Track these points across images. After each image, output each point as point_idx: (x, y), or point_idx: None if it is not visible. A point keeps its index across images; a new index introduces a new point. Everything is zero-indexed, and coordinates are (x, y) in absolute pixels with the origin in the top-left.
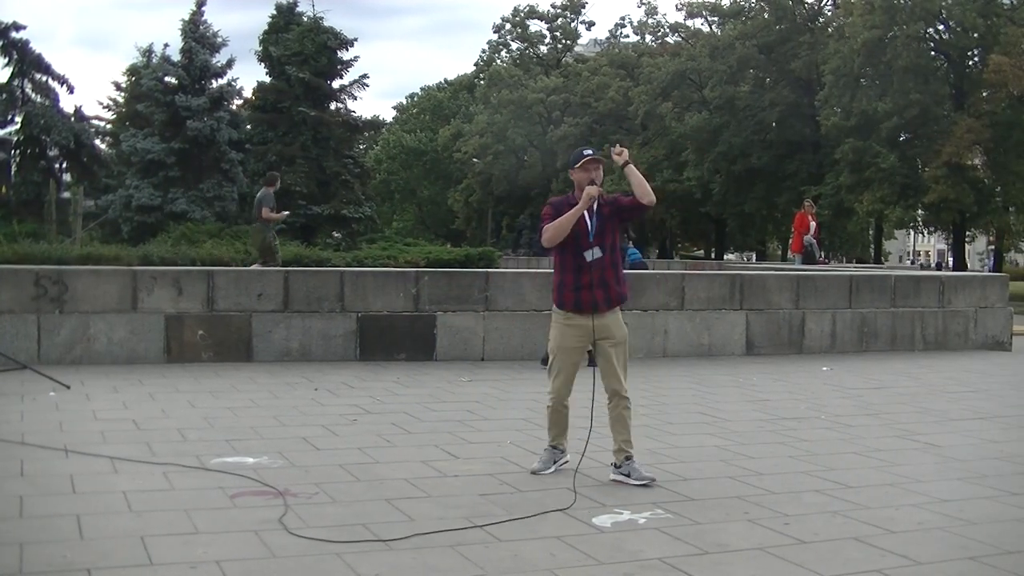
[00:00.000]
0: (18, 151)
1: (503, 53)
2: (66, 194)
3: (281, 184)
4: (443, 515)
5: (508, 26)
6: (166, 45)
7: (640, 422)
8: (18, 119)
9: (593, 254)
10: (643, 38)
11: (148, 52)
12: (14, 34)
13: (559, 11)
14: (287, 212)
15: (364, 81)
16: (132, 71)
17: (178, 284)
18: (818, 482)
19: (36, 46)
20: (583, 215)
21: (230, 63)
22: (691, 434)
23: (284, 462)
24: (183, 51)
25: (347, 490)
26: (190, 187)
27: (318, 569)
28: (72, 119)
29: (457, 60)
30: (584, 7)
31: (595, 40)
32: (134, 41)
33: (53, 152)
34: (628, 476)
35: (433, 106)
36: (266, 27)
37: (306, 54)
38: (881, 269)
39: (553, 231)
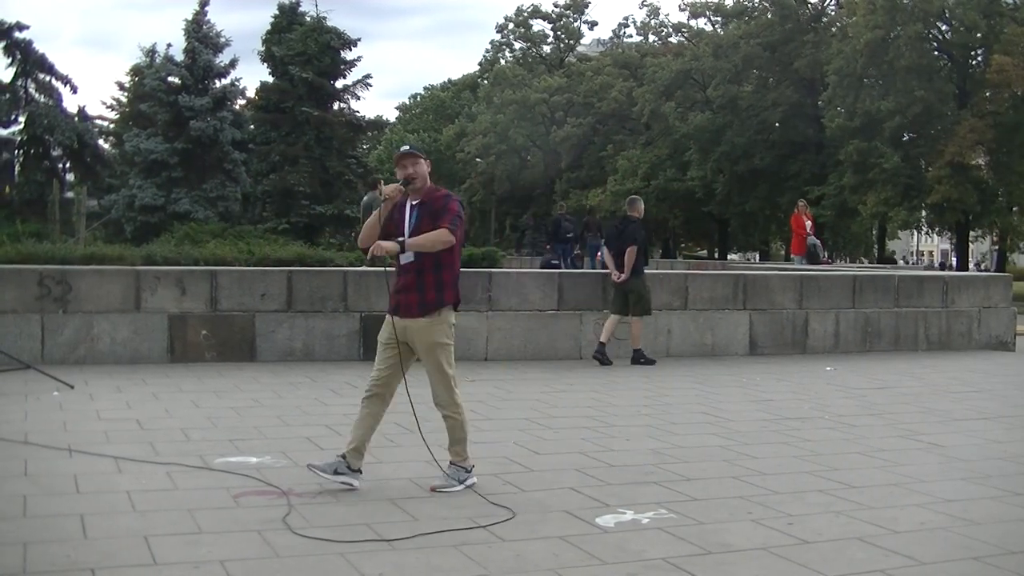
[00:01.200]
0: (21, 151)
1: (506, 53)
2: (69, 194)
3: (284, 184)
4: (446, 515)
5: (511, 26)
6: (169, 45)
7: (643, 422)
8: (21, 119)
9: (404, 258)
10: (646, 38)
11: (151, 52)
12: (17, 34)
13: (562, 11)
14: None
15: (367, 81)
16: (135, 71)
17: (181, 284)
18: (821, 482)
19: (39, 46)
20: (403, 215)
21: (233, 63)
22: (694, 434)
23: (288, 462)
24: (186, 51)
25: (351, 490)
26: (193, 187)
27: (322, 569)
28: (75, 119)
29: (460, 60)
30: (587, 7)
31: (598, 40)
32: (137, 41)
33: (56, 152)
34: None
35: (436, 106)
36: (269, 27)
37: (309, 54)
38: (886, 269)
39: (362, 232)
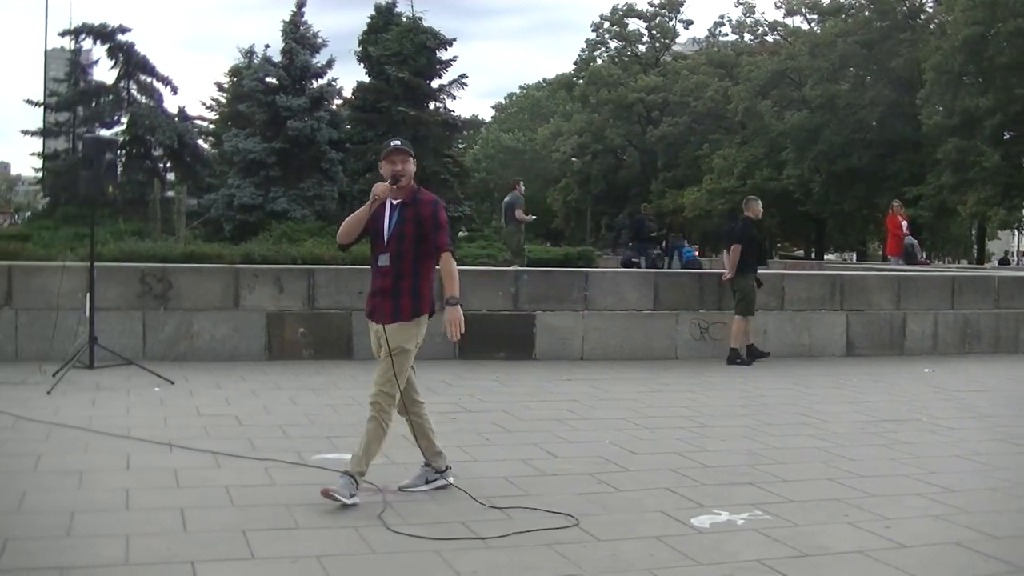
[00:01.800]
0: (124, 151)
1: (602, 52)
2: (170, 193)
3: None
4: (541, 513)
5: (607, 25)
6: (267, 46)
7: (739, 423)
8: (124, 120)
9: (381, 260)
10: (742, 37)
11: (249, 53)
12: (120, 37)
13: (657, 10)
14: (534, 216)
15: (463, 81)
16: (234, 72)
17: (279, 282)
18: (919, 485)
19: (142, 49)
20: (383, 214)
21: (330, 63)
22: (790, 435)
23: (384, 459)
24: (284, 52)
25: (445, 488)
26: (290, 186)
27: (416, 565)
28: (176, 120)
29: (556, 59)
30: (682, 6)
31: (693, 39)
32: (236, 43)
33: (157, 152)
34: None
35: (531, 105)
36: (365, 27)
37: (405, 54)
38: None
39: (342, 227)
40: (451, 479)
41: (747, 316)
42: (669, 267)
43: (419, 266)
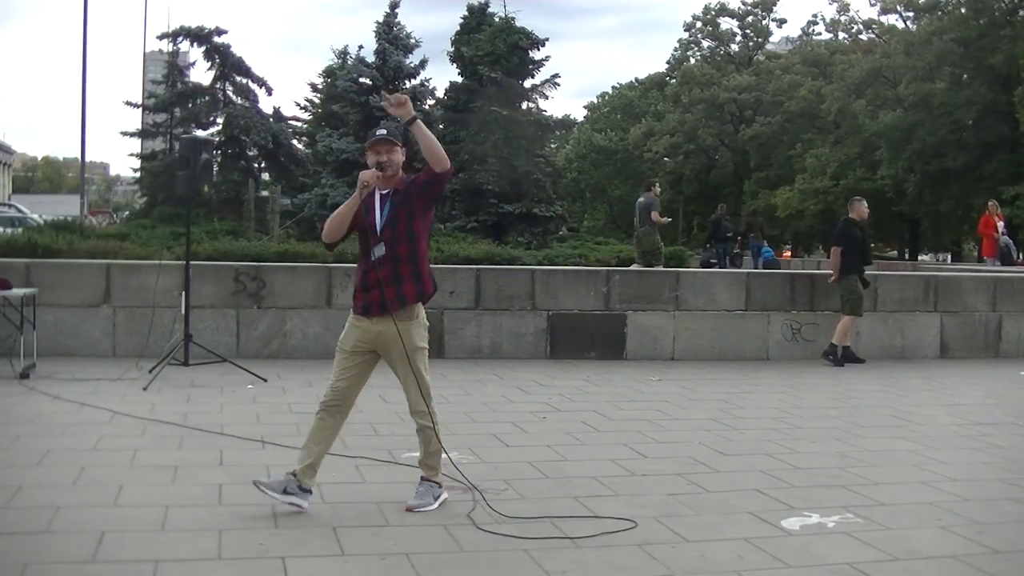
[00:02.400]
0: (219, 151)
1: (694, 51)
2: (264, 193)
3: (473, 183)
4: (630, 514)
5: (699, 24)
6: (360, 47)
7: (830, 424)
8: (220, 121)
9: (377, 251)
10: (835, 35)
11: (343, 54)
12: (216, 39)
13: (750, 8)
14: (669, 218)
15: (555, 80)
16: (328, 73)
17: None
18: (1015, 490)
19: (238, 50)
20: (372, 206)
21: (423, 64)
22: (882, 437)
23: (474, 458)
24: (377, 52)
25: (535, 487)
26: None
27: (505, 564)
28: (271, 120)
29: (648, 59)
30: (775, 4)
31: (787, 38)
32: (330, 44)
33: (252, 152)
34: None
35: (624, 105)
36: (458, 28)
37: (498, 54)
38: None
39: (328, 224)
40: (306, 504)
41: (855, 316)
42: (751, 267)
43: (416, 247)
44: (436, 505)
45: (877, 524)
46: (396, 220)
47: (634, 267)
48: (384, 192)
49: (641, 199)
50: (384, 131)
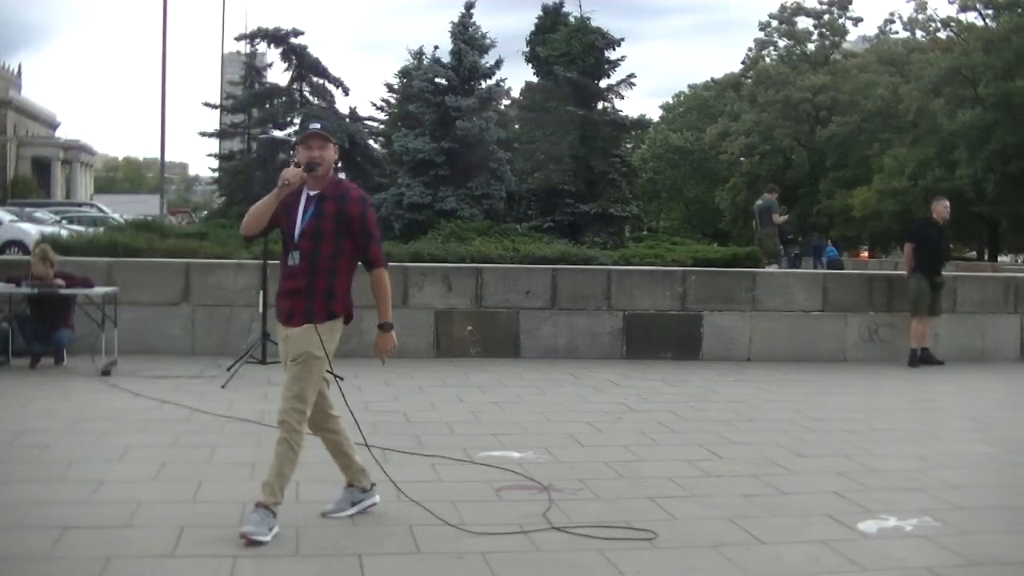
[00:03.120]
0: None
1: (770, 51)
2: None
3: (549, 183)
4: (705, 515)
5: (775, 23)
6: (436, 47)
7: (907, 427)
8: (297, 121)
9: (291, 259)
10: (913, 33)
11: (419, 54)
12: (293, 40)
13: (826, 7)
14: (787, 216)
15: (631, 80)
16: (404, 73)
17: (447, 280)
18: None
19: (315, 51)
20: (295, 206)
21: (498, 64)
22: (961, 440)
23: (549, 457)
24: (452, 53)
25: (611, 487)
26: (459, 185)
27: (581, 564)
28: (347, 120)
29: (723, 58)
30: (851, 3)
31: (863, 36)
32: (405, 44)
33: None
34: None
35: (699, 105)
36: (533, 28)
37: (573, 54)
38: None
39: (248, 216)
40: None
41: (917, 317)
42: (812, 268)
43: (335, 264)
44: (353, 511)
45: (955, 528)
46: (321, 231)
47: (772, 268)
48: (312, 193)
49: (760, 202)
50: (317, 125)
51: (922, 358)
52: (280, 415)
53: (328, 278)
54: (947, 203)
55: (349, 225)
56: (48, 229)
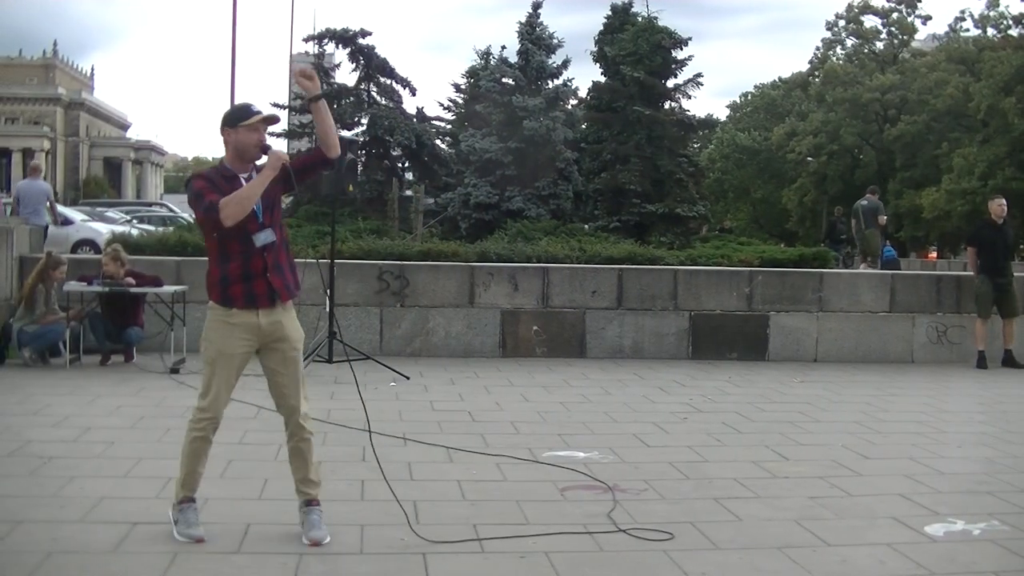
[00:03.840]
0: (364, 151)
1: (837, 50)
2: (408, 192)
3: (616, 183)
4: (771, 516)
5: (842, 23)
6: (503, 47)
7: (977, 429)
8: (364, 121)
9: (264, 237)
10: (984, 31)
11: (486, 54)
12: (361, 41)
13: (894, 6)
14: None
15: (698, 80)
16: (471, 73)
17: (514, 280)
18: None
19: (383, 52)
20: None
21: (565, 64)
22: None
23: (614, 458)
24: (520, 53)
25: (675, 487)
26: (526, 185)
27: (644, 565)
28: (414, 120)
29: (791, 58)
30: (920, 1)
31: (933, 35)
32: (473, 44)
33: (396, 152)
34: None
35: (766, 104)
36: (601, 27)
37: (640, 54)
38: None
39: (237, 205)
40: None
41: (982, 319)
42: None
43: (285, 233)
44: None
45: None
46: (275, 205)
47: (863, 268)
48: (245, 176)
49: (864, 202)
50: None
51: (1004, 361)
52: (301, 412)
53: (287, 250)
54: (1002, 201)
55: (291, 176)
56: (119, 228)
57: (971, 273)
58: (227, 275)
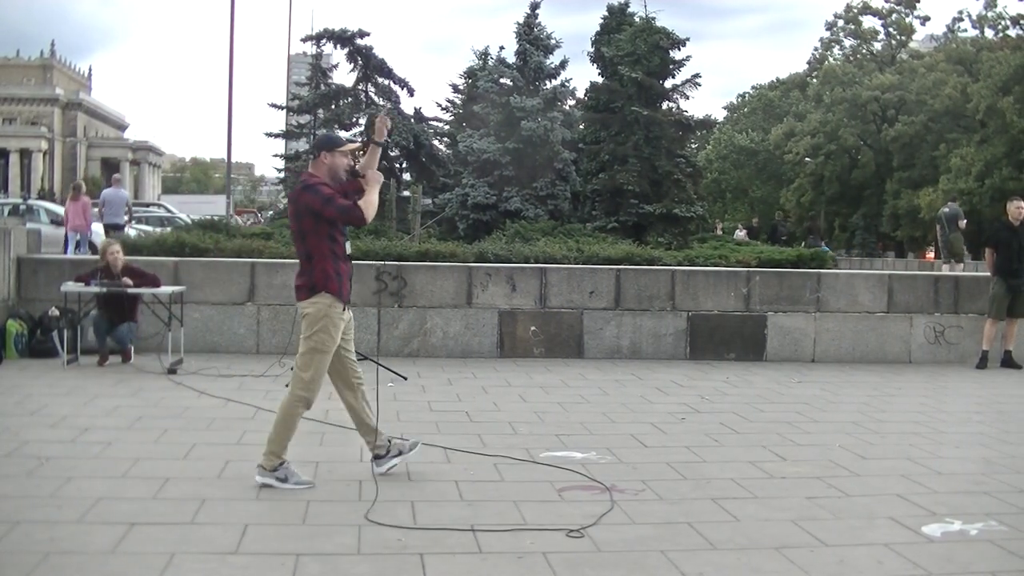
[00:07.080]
0: (361, 152)
1: (835, 50)
2: (405, 192)
3: (614, 183)
4: (769, 516)
5: (841, 23)
6: (501, 48)
7: (974, 429)
8: (362, 121)
9: (349, 246)
10: (982, 32)
11: (484, 55)
12: (359, 41)
13: (893, 6)
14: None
15: (696, 80)
16: (469, 73)
17: (511, 281)
18: None
19: (381, 52)
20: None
21: (563, 64)
22: None
23: (612, 458)
24: (518, 53)
25: (673, 488)
26: (524, 186)
27: (642, 565)
28: (412, 121)
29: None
30: (919, 1)
31: (931, 35)
32: (471, 45)
33: (394, 152)
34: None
35: (764, 105)
36: (598, 28)
37: (638, 54)
38: None
39: (372, 209)
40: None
41: (992, 319)
42: None
43: None
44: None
45: (1022, 532)
46: None
47: (946, 269)
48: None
49: (946, 209)
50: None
51: (1004, 361)
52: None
53: None
54: (1020, 203)
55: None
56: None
57: (969, 274)
58: (339, 272)
